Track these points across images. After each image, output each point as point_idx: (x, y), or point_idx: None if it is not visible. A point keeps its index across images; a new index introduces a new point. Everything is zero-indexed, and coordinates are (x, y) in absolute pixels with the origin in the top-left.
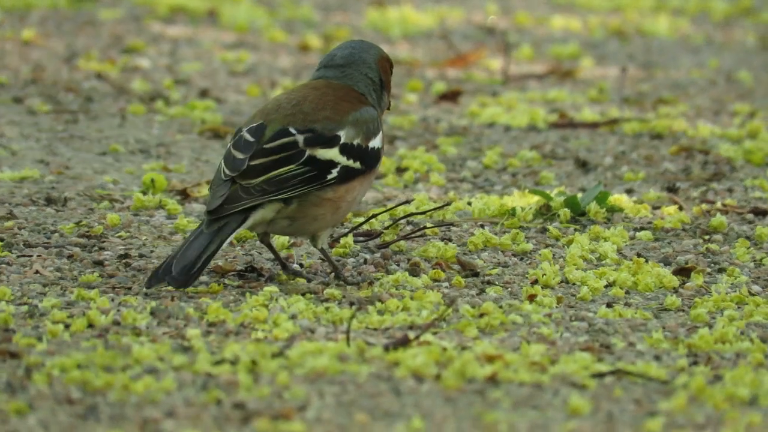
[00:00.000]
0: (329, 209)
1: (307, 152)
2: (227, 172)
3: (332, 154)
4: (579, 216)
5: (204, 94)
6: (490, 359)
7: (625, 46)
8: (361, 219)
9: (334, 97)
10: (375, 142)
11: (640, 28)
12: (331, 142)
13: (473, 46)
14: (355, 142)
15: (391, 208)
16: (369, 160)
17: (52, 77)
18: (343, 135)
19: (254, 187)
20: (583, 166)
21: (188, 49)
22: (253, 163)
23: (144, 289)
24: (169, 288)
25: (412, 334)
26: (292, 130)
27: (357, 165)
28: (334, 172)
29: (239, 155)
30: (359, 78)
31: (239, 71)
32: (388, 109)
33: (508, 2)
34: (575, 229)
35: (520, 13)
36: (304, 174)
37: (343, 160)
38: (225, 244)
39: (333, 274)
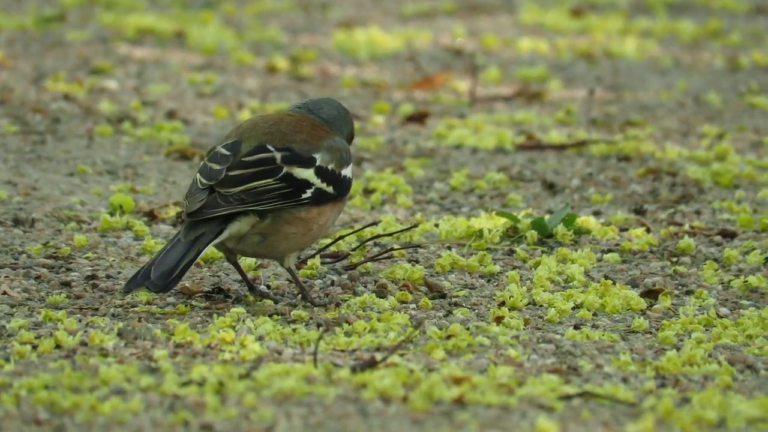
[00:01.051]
0: (301, 229)
1: (285, 169)
2: (204, 181)
3: (308, 174)
4: (546, 238)
5: (171, 115)
6: (458, 381)
7: (592, 69)
8: (329, 240)
9: (309, 125)
10: (347, 171)
11: (607, 50)
12: (307, 162)
13: (440, 69)
14: (330, 167)
15: (358, 230)
16: (341, 186)
17: (20, 98)
18: (319, 158)
19: (233, 195)
20: (551, 188)
21: (156, 71)
22: (231, 173)
23: (122, 294)
24: (143, 297)
25: (379, 356)
26: (270, 147)
27: (330, 189)
28: (309, 192)
29: (216, 166)
30: (340, 131)
31: (207, 93)
32: None
33: (475, 25)
34: (542, 251)
35: (487, 35)
36: (281, 189)
37: (317, 182)
38: (202, 254)
39: (300, 295)
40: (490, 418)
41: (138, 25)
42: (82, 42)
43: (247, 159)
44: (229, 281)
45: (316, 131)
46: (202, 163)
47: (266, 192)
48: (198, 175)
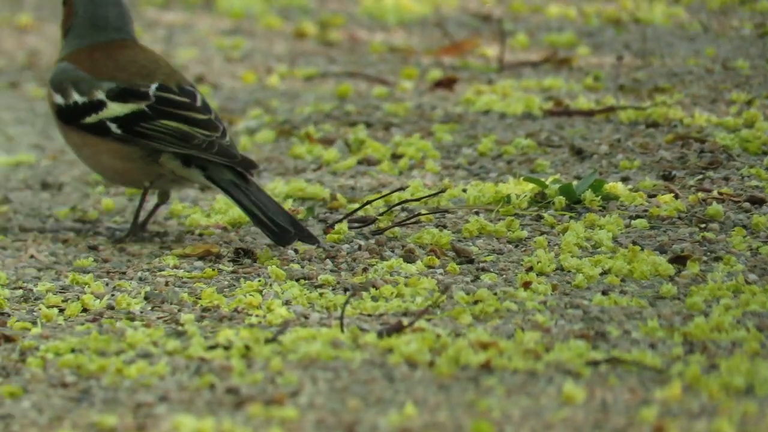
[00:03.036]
0: None
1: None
2: (206, 133)
3: None
4: (574, 204)
5: (199, 80)
6: (484, 346)
7: (620, 35)
8: (356, 205)
9: (150, 54)
10: None
11: (635, 16)
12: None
13: (469, 34)
14: None
15: (385, 195)
16: None
17: (48, 63)
18: None
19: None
20: (579, 153)
21: (184, 36)
22: (213, 120)
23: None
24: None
25: (406, 321)
26: (189, 88)
27: None
28: None
29: (201, 116)
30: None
31: (235, 58)
32: None
33: None
34: (570, 217)
35: (515, 0)
36: None
37: None
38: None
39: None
40: (516, 383)
41: None
42: None
43: (200, 104)
44: (256, 245)
45: (160, 59)
46: (138, 106)
47: None
48: (177, 125)
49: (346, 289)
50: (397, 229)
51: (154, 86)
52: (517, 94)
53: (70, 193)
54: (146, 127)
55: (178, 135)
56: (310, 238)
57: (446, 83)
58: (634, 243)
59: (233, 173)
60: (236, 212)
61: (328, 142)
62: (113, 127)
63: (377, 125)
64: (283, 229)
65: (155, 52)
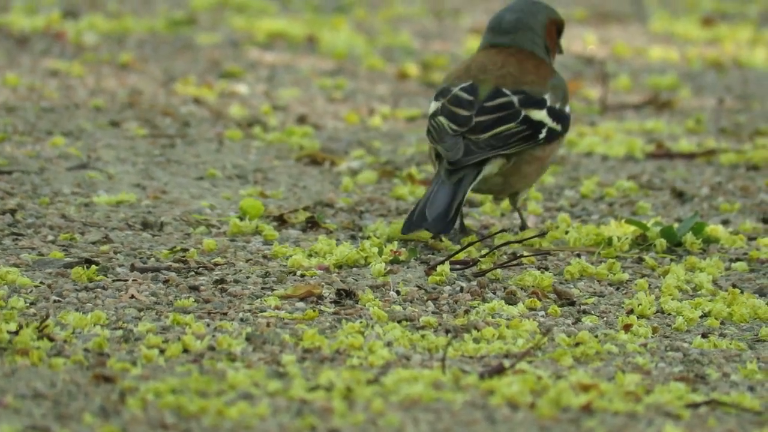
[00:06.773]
0: (536, 168)
1: (523, 113)
2: (454, 127)
3: (542, 115)
4: (675, 246)
5: (302, 120)
6: (585, 388)
7: (722, 78)
8: (458, 247)
9: (531, 64)
10: (567, 108)
11: (737, 59)
12: (539, 104)
13: (571, 76)
14: (557, 106)
15: (488, 236)
16: (565, 123)
17: (149, 101)
18: (548, 98)
19: (483, 141)
20: (680, 196)
21: (286, 76)
22: (478, 119)
23: (401, 235)
24: (423, 235)
25: (507, 363)
26: (506, 91)
27: (558, 127)
28: (543, 133)
29: (463, 112)
30: (530, 45)
31: (337, 98)
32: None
33: (606, 32)
34: (671, 260)
35: (618, 43)
36: (522, 133)
37: (549, 122)
38: (466, 195)
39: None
40: (617, 425)
41: (269, 29)
42: (212, 45)
43: (489, 104)
44: (359, 286)
45: (539, 70)
46: (440, 104)
47: (511, 136)
48: (442, 120)
49: (447, 331)
50: (499, 271)
51: (456, 88)
52: (619, 137)
53: (172, 233)
54: None
55: None
56: (441, 230)
57: None
58: (734, 286)
59: None
60: (339, 252)
61: (430, 183)
62: None
63: None
64: (417, 218)
65: (524, 58)
